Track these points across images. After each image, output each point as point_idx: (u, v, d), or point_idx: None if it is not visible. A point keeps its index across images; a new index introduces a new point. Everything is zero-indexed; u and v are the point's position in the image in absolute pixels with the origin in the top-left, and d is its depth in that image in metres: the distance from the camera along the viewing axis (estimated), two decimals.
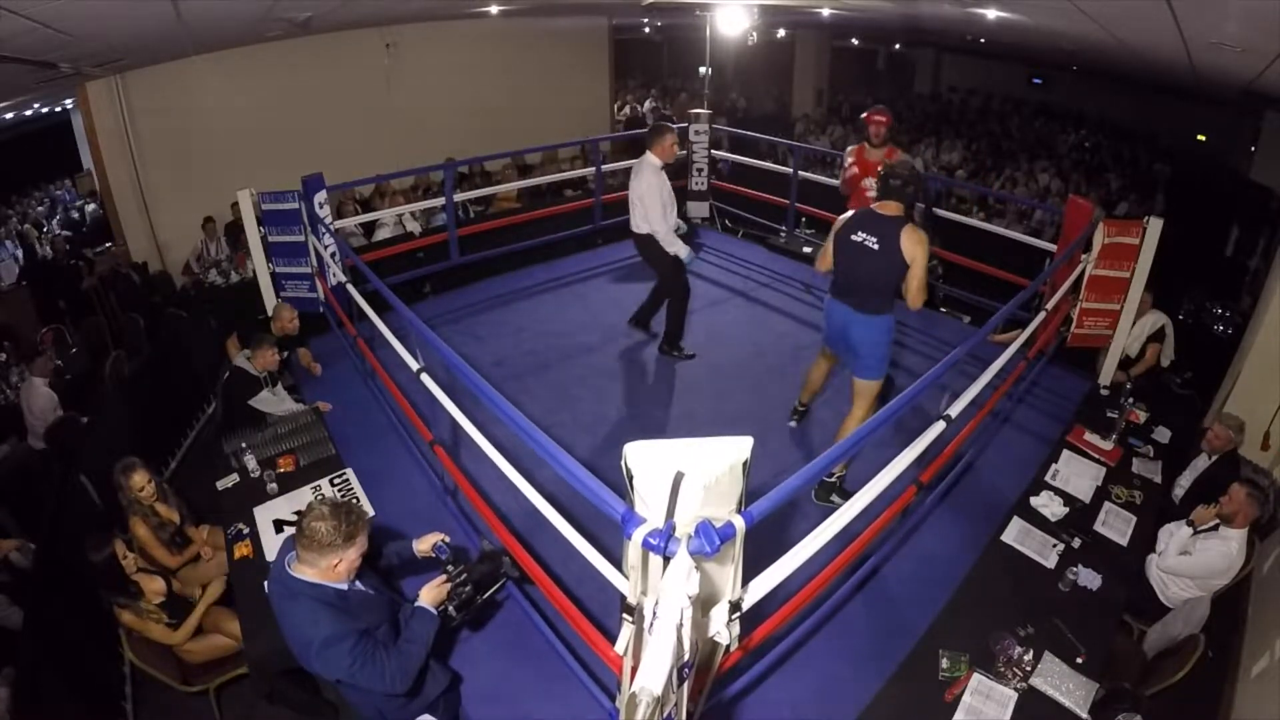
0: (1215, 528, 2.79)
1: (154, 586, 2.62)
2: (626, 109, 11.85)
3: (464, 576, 1.98)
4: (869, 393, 3.18)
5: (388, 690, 1.80)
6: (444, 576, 1.97)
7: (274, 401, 3.66)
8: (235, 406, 3.61)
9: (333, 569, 1.75)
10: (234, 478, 3.16)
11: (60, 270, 6.65)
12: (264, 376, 3.63)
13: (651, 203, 3.95)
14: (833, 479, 3.26)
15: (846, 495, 3.08)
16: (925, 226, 3.31)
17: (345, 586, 1.80)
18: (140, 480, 2.82)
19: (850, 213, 3.09)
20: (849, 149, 4.55)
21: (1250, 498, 2.70)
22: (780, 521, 2.89)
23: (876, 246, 2.92)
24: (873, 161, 4.26)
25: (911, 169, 2.99)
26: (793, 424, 3.80)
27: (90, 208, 9.00)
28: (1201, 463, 3.40)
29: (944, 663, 2.29)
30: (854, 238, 2.99)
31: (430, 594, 1.94)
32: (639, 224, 4.08)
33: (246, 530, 2.88)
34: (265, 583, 1.91)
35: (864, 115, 4.46)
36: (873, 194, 3.29)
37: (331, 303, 4.43)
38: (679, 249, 4.06)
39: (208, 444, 3.58)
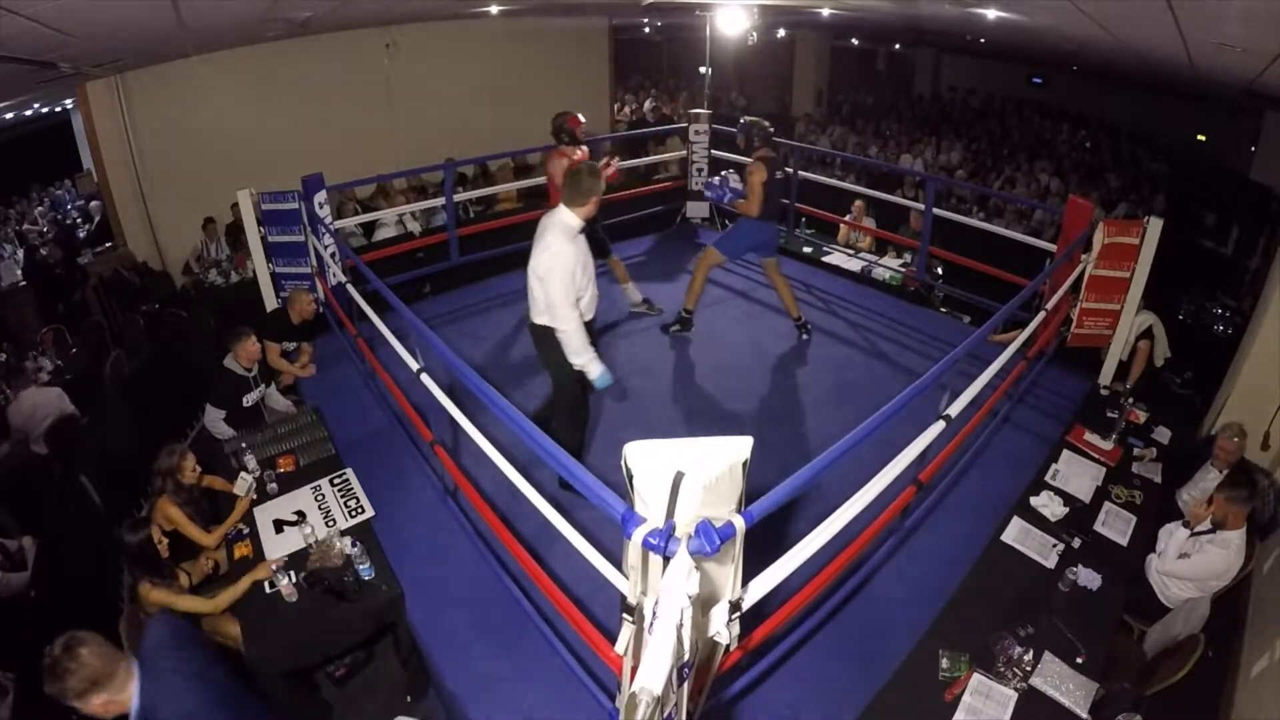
0: (1212, 530, 2.79)
1: (181, 581, 2.66)
2: (627, 109, 11.86)
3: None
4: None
5: None
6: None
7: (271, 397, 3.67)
8: (231, 408, 3.62)
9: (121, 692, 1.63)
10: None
11: (58, 274, 6.65)
12: (253, 376, 3.64)
13: (558, 283, 2.71)
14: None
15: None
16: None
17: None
18: (192, 462, 2.96)
19: (759, 163, 4.12)
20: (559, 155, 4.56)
21: (1229, 501, 2.70)
22: (780, 521, 2.89)
23: (789, 172, 4.73)
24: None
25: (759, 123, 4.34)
26: (686, 334, 4.64)
27: (84, 204, 8.99)
28: (1212, 478, 3.24)
29: (944, 663, 2.29)
30: (778, 175, 4.26)
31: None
32: (537, 312, 2.88)
33: (246, 530, 2.89)
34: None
35: (567, 119, 4.55)
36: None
37: (331, 303, 4.43)
38: (589, 363, 2.86)
39: (208, 444, 3.58)
